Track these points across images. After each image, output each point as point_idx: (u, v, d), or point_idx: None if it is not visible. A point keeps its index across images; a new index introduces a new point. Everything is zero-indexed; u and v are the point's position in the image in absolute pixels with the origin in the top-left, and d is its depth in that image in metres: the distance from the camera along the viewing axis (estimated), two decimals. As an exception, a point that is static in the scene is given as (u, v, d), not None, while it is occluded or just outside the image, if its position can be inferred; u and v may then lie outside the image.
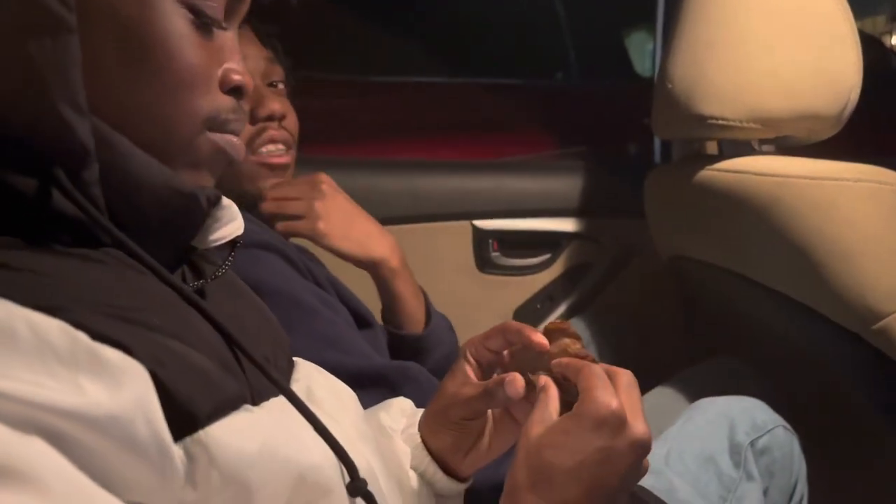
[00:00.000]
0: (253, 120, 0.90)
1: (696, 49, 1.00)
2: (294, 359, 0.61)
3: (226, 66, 0.51)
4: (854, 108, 0.96)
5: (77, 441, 0.36)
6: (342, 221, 0.93)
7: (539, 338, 0.58)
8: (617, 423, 0.51)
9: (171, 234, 0.48)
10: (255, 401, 0.47)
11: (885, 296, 0.90)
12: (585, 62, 2.30)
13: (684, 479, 0.84)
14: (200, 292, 0.51)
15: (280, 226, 0.91)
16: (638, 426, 0.51)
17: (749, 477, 0.87)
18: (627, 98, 1.81)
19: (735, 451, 0.88)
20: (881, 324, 0.90)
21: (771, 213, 0.94)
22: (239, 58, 0.51)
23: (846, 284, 0.90)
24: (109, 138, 0.44)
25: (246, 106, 0.52)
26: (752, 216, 0.96)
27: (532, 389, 0.57)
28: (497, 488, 0.55)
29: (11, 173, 0.40)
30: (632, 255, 1.42)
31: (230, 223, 0.53)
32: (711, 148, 1.20)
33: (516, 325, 0.60)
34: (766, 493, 0.88)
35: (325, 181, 0.94)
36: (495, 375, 0.61)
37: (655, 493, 0.81)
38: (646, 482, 0.82)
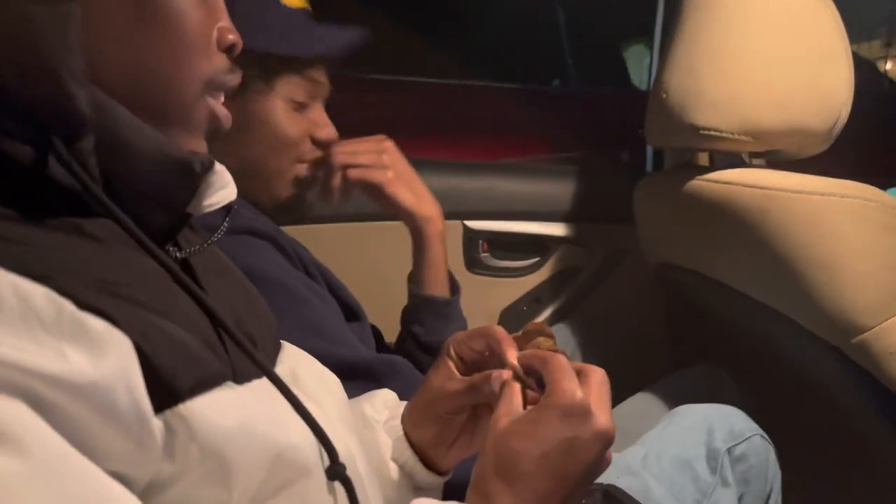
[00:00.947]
0: (315, 143, 0.96)
1: (692, 59, 1.01)
2: (281, 341, 0.61)
3: (219, 25, 0.52)
4: (844, 125, 0.98)
5: (58, 406, 0.36)
6: (405, 175, 1.00)
7: (513, 356, 0.58)
8: (582, 412, 0.52)
9: (165, 199, 0.49)
10: (238, 381, 0.47)
11: (866, 311, 0.91)
12: (583, 70, 2.32)
13: (660, 481, 0.85)
14: (188, 264, 0.52)
15: (353, 172, 0.97)
16: (602, 417, 0.52)
17: (724, 483, 0.88)
18: (622, 106, 1.83)
19: (712, 456, 0.89)
20: (860, 338, 0.92)
21: (758, 224, 0.95)
22: (227, 15, 0.53)
23: (828, 297, 0.92)
24: (104, 105, 0.44)
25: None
26: (739, 227, 0.97)
27: None
28: None
29: (8, 140, 0.40)
30: (620, 261, 1.43)
31: (223, 188, 0.53)
32: (703, 159, 1.22)
33: (499, 334, 0.60)
34: (741, 499, 0.89)
35: (389, 141, 1.00)
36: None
37: (631, 493, 0.82)
38: (623, 483, 0.83)
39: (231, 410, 0.44)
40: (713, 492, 0.86)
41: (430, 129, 1.79)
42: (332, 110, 0.98)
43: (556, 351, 0.57)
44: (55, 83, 0.40)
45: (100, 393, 0.37)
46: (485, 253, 1.44)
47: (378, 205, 1.02)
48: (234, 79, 0.54)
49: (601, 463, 0.54)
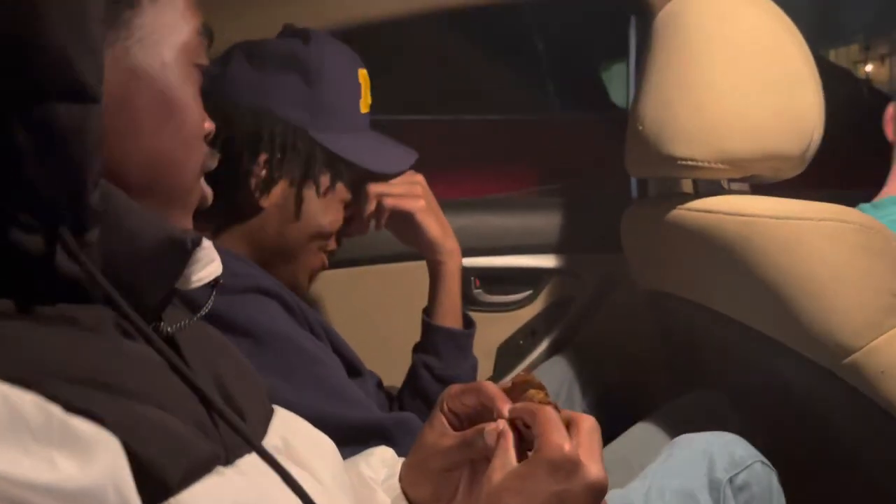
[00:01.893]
0: (339, 233, 1.02)
1: (664, 92, 1.03)
2: (273, 406, 0.61)
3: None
4: (817, 147, 0.99)
5: None
6: (434, 208, 1.06)
7: (507, 413, 0.58)
8: (570, 466, 0.52)
9: (158, 277, 0.50)
10: (230, 458, 0.48)
11: (853, 332, 0.91)
12: (563, 97, 2.34)
13: (664, 517, 0.85)
14: (172, 339, 0.53)
15: (388, 200, 1.02)
16: (593, 469, 0.52)
17: (728, 513, 0.87)
18: (605, 131, 1.84)
19: (714, 487, 0.89)
20: (850, 359, 0.92)
21: (741, 251, 0.96)
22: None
23: (815, 321, 0.92)
24: (109, 194, 0.46)
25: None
26: (723, 254, 0.98)
27: None
28: None
29: (20, 232, 0.42)
30: (612, 289, 1.43)
31: (210, 263, 0.54)
32: (686, 185, 1.23)
33: (491, 390, 0.60)
34: (745, 528, 0.89)
35: (419, 175, 1.06)
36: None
37: (635, 532, 0.82)
38: (625, 521, 0.82)
39: (223, 498, 0.45)
40: (717, 524, 0.86)
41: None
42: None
43: (547, 403, 0.57)
44: (75, 183, 0.42)
45: (89, 497, 0.38)
46: (477, 289, 1.44)
47: (404, 236, 1.07)
48: (214, 162, 0.57)
49: None
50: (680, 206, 1.03)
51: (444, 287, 1.05)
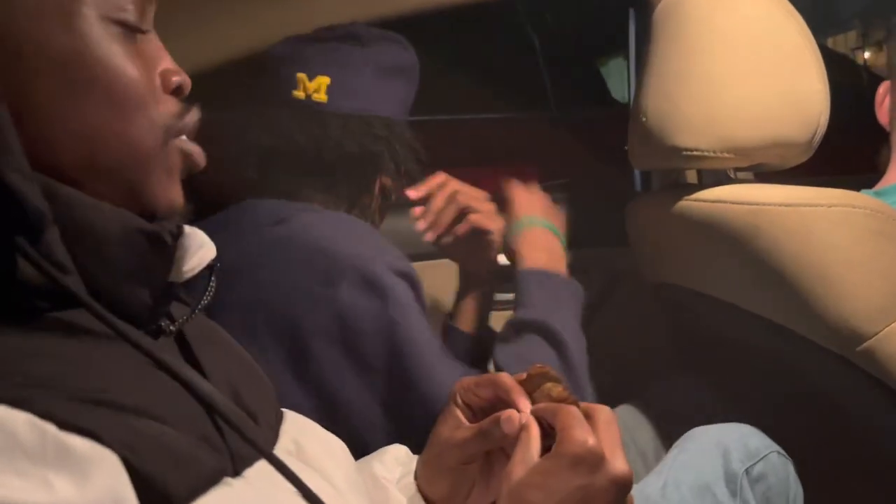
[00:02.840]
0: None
1: (666, 82, 1.02)
2: (283, 410, 0.61)
3: (161, 69, 0.50)
4: (824, 132, 0.98)
5: None
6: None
7: (524, 405, 0.57)
8: (594, 460, 0.51)
9: (143, 275, 0.48)
10: (238, 468, 0.47)
11: (866, 318, 0.91)
12: (562, 93, 2.33)
13: (681, 511, 0.84)
14: (183, 337, 0.51)
15: (473, 217, 1.04)
16: (617, 463, 0.51)
17: (746, 505, 0.87)
18: (605, 126, 1.84)
19: (731, 479, 0.88)
20: (865, 345, 0.91)
21: (750, 240, 0.95)
22: (168, 56, 0.51)
23: (828, 308, 0.91)
24: (57, 192, 0.43)
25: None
26: (732, 244, 0.97)
27: None
28: None
29: None
30: (620, 284, 1.43)
31: (200, 249, 0.52)
32: (690, 175, 1.22)
33: (507, 382, 0.59)
34: (763, 520, 0.88)
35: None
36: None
37: (653, 527, 0.81)
38: (643, 517, 0.82)
39: None
40: (735, 516, 0.86)
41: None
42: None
43: (566, 399, 0.56)
44: (3, 187, 0.40)
45: None
46: (483, 287, 1.43)
47: (458, 248, 1.07)
48: (191, 118, 0.52)
49: None
50: (686, 198, 1.02)
51: (476, 293, 1.09)
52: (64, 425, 0.38)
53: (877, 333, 0.90)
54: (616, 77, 2.57)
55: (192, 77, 0.52)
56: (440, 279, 1.41)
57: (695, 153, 0.97)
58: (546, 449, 0.54)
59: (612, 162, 1.45)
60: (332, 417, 0.82)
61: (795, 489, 0.92)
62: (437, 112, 2.06)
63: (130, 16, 0.48)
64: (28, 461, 0.36)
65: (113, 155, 0.47)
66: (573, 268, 1.45)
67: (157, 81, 0.50)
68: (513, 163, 1.91)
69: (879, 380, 0.92)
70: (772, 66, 0.97)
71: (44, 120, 0.44)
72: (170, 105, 0.50)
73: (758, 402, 1.08)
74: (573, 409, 0.54)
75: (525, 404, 0.57)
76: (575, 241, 1.43)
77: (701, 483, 0.88)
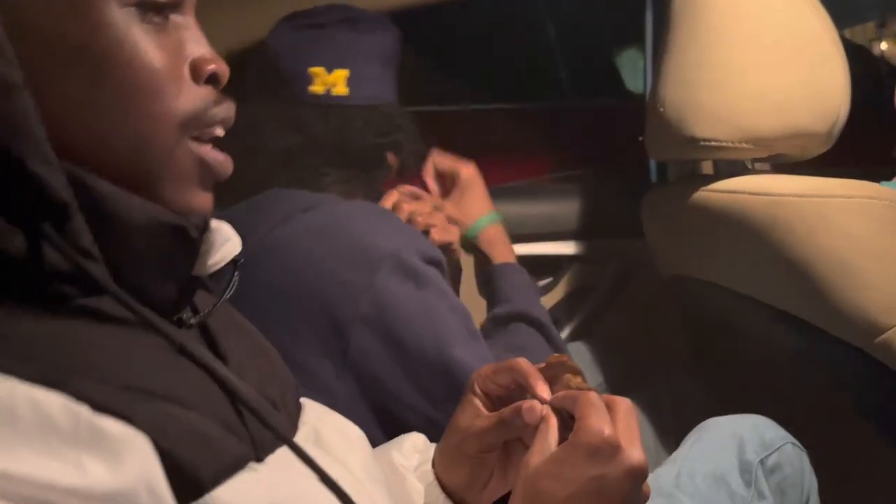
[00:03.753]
0: None
1: (685, 71, 1.01)
2: (301, 400, 0.61)
3: (193, 57, 0.48)
4: (844, 123, 0.97)
5: None
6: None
7: (543, 389, 0.57)
8: (610, 450, 0.50)
9: (168, 268, 0.48)
10: (261, 454, 0.47)
11: (886, 309, 0.90)
12: (577, 83, 2.32)
13: (695, 500, 0.85)
14: (206, 328, 0.52)
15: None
16: (634, 453, 0.51)
17: (760, 496, 0.87)
18: (621, 117, 1.82)
19: (745, 469, 0.88)
20: (883, 337, 0.91)
21: (767, 231, 0.94)
22: (206, 43, 0.49)
23: (846, 299, 0.91)
24: (83, 181, 0.43)
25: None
26: (748, 235, 0.97)
27: None
28: None
29: (5, 237, 0.40)
30: (634, 275, 1.43)
31: (225, 244, 0.52)
32: (707, 166, 1.22)
33: (525, 367, 0.59)
34: (778, 510, 0.88)
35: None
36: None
37: (667, 516, 0.81)
38: (657, 506, 0.82)
39: (256, 494, 0.44)
40: (750, 506, 0.86)
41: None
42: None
43: (587, 389, 0.56)
44: (27, 174, 0.40)
45: (121, 500, 0.38)
46: (498, 278, 1.44)
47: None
48: (221, 112, 0.49)
49: (637, 499, 0.52)
50: (703, 189, 1.02)
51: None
52: (97, 408, 0.39)
53: (895, 325, 0.90)
54: (630, 68, 2.55)
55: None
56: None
57: (713, 143, 0.97)
58: (564, 439, 0.54)
59: (629, 153, 1.45)
60: (371, 403, 0.83)
61: (810, 480, 0.92)
62: (453, 102, 2.06)
63: None
64: (62, 442, 0.37)
65: (126, 149, 0.46)
66: (588, 259, 1.46)
67: (185, 71, 0.48)
68: (527, 152, 1.91)
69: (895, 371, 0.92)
70: (792, 55, 0.96)
71: (64, 113, 0.44)
72: (191, 97, 0.47)
73: (773, 393, 1.08)
74: (593, 396, 0.54)
75: (544, 389, 0.57)
76: (590, 231, 1.44)
77: (716, 473, 0.88)
